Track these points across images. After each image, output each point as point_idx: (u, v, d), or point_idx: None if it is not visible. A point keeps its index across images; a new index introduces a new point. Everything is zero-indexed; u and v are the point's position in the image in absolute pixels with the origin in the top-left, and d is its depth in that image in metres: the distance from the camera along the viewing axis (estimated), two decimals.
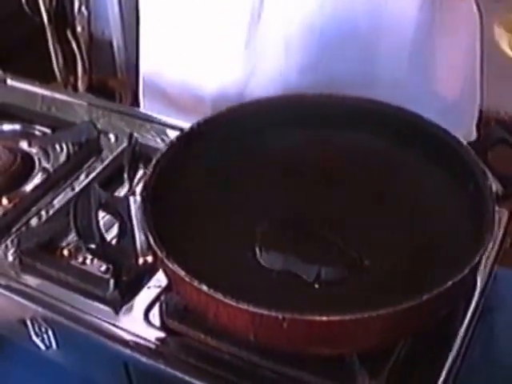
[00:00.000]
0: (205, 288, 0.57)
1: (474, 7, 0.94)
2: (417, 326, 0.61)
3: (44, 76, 1.78)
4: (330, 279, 0.64)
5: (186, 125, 0.75)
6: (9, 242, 0.77)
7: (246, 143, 0.75)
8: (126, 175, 0.84)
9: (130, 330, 0.68)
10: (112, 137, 0.92)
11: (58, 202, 0.82)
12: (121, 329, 0.68)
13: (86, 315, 0.70)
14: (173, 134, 0.89)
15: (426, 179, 0.73)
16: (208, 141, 0.74)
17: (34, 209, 0.82)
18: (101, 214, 0.68)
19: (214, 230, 0.69)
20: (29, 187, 0.85)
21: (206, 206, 0.72)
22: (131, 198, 0.67)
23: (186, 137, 0.73)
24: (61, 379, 0.79)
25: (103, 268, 0.72)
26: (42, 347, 0.75)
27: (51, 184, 0.85)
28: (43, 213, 0.81)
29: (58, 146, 0.90)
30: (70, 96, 1.03)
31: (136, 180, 0.84)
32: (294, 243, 0.68)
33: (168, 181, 0.69)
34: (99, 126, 0.92)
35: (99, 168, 0.87)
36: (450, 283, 0.57)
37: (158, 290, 0.71)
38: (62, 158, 0.89)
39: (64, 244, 0.76)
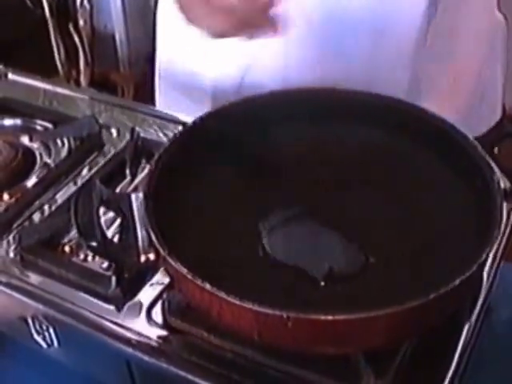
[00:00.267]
0: (208, 286, 0.56)
1: (497, 12, 0.93)
2: (424, 324, 0.60)
3: (46, 70, 1.78)
4: (341, 277, 0.63)
5: (189, 119, 0.75)
6: (10, 238, 0.77)
7: (250, 139, 0.74)
8: (128, 170, 0.84)
9: (132, 328, 0.67)
10: (114, 131, 0.91)
11: (60, 197, 0.82)
12: (123, 327, 0.68)
13: (87, 313, 0.69)
14: (175, 129, 0.89)
15: (432, 175, 0.72)
16: (214, 135, 0.73)
17: (35, 204, 0.81)
18: (102, 210, 0.68)
19: (217, 227, 0.69)
20: (30, 182, 0.84)
21: (210, 202, 0.71)
22: (133, 195, 0.66)
23: (188, 132, 0.73)
24: (62, 377, 0.79)
25: (105, 265, 0.72)
26: (44, 345, 0.74)
27: (53, 179, 0.84)
28: (45, 208, 0.81)
29: (59, 141, 0.90)
30: (71, 90, 1.03)
31: (138, 175, 0.83)
32: (300, 240, 0.67)
33: (170, 177, 0.68)
34: (101, 120, 0.92)
35: (101, 163, 0.87)
36: (457, 281, 0.56)
37: (160, 288, 0.70)
38: (64, 152, 0.88)
39: (66, 240, 0.75)
